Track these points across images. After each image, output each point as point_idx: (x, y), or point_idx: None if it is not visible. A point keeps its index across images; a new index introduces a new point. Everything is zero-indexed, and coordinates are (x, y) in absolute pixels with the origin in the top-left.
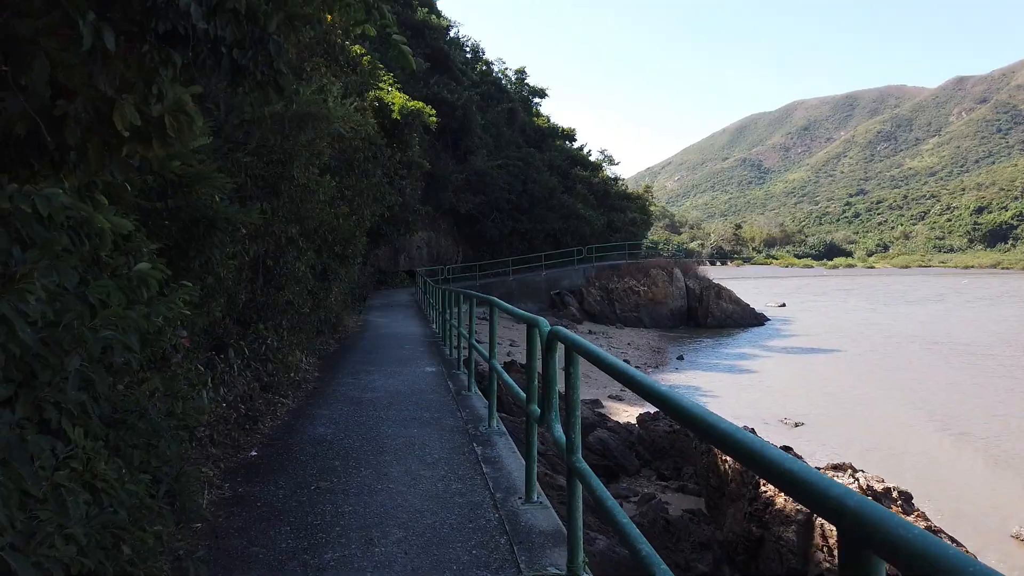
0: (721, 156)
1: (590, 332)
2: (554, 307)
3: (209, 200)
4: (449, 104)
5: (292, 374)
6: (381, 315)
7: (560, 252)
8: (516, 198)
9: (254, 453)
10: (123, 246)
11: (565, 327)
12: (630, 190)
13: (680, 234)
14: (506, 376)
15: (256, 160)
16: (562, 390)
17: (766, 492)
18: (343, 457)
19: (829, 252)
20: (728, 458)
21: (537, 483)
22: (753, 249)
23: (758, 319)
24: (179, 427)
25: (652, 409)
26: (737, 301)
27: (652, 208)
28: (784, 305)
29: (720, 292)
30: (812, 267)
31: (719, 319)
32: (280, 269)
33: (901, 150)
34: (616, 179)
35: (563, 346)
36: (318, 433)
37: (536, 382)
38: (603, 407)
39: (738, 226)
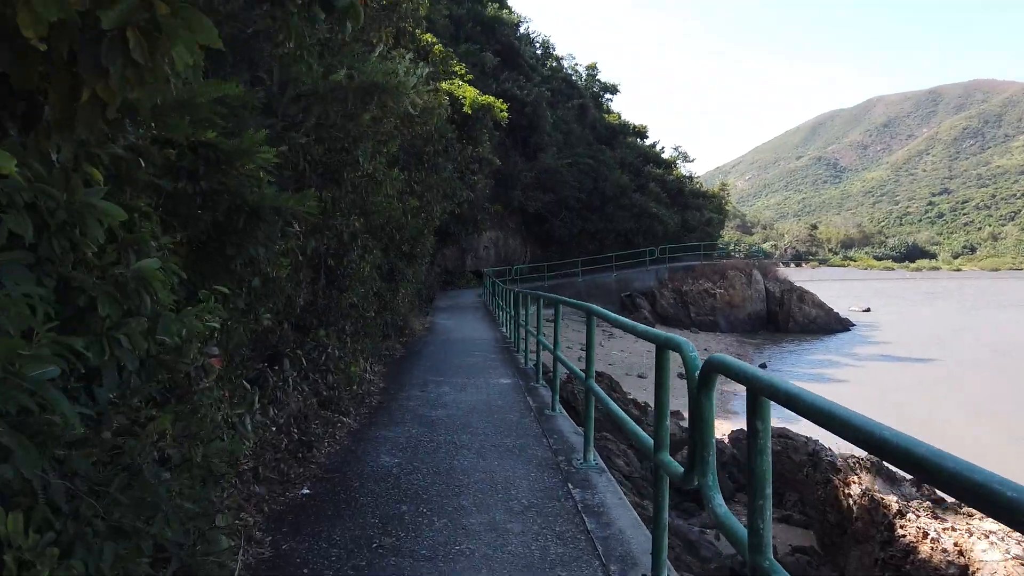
0: (795, 155)
1: None
2: (625, 309)
3: (254, 183)
4: (519, 100)
5: (355, 387)
6: (448, 317)
7: (631, 252)
8: (587, 196)
9: (306, 491)
10: (121, 237)
11: None
12: (704, 188)
13: (752, 234)
14: (616, 409)
15: (315, 143)
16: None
17: (904, 536)
18: (412, 499)
19: (911, 254)
20: (852, 492)
21: (667, 559)
22: (829, 250)
23: (843, 324)
24: (201, 478)
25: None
26: (821, 305)
27: (728, 207)
28: (869, 310)
29: (803, 296)
30: (893, 269)
31: (801, 324)
32: (343, 269)
33: (989, 147)
34: (691, 177)
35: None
36: (382, 464)
37: (666, 421)
38: (683, 417)
39: (814, 226)
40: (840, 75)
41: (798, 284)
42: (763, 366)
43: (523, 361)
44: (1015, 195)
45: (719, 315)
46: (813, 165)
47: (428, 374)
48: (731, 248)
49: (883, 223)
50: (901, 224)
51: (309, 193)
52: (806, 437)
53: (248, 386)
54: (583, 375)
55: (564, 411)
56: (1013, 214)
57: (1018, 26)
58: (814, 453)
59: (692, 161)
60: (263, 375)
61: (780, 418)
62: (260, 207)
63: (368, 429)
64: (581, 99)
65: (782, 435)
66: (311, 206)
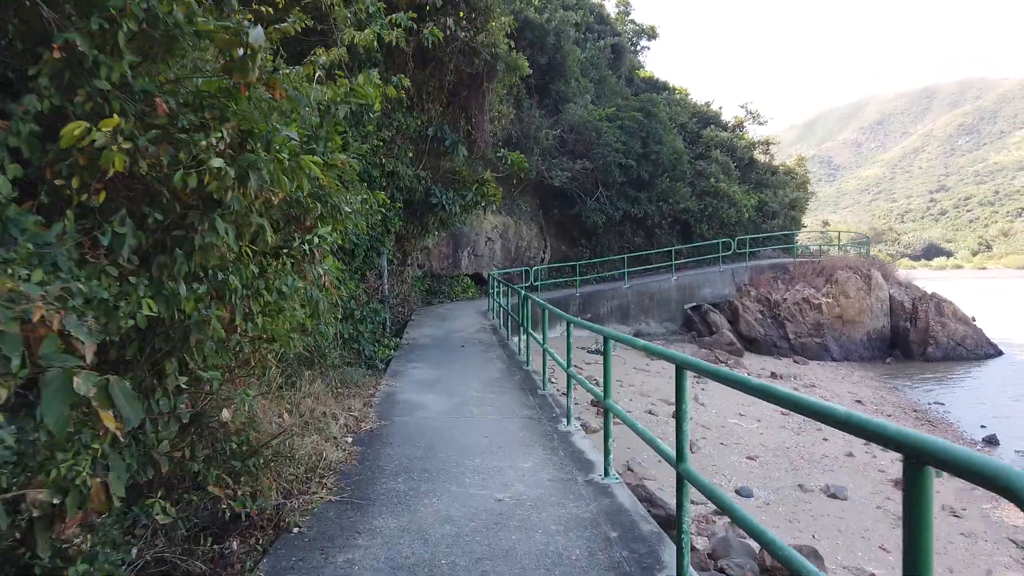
0: (788, 154)
1: (772, 375)
2: (690, 328)
3: None
4: (536, 28)
5: None
6: (431, 377)
7: (697, 247)
8: (635, 165)
9: None
10: None
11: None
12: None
13: None
14: None
15: None
16: None
17: None
18: None
19: (927, 252)
20: None
21: None
22: (841, 248)
23: (994, 347)
24: None
25: None
26: (965, 320)
27: (809, 188)
28: (974, 319)
29: (941, 306)
30: (914, 268)
31: (945, 348)
32: None
33: (985, 144)
34: (767, 142)
35: None
36: None
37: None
38: None
39: (825, 223)
40: (831, 74)
41: (930, 291)
42: (991, 440)
43: None
44: (1019, 191)
45: (828, 335)
46: (807, 163)
47: None
48: (839, 238)
49: (884, 220)
50: (903, 222)
51: None
52: None
53: None
54: None
55: None
56: (1021, 210)
57: (1008, 21)
58: None
59: (764, 124)
60: None
61: None
62: None
63: None
64: (616, 37)
65: None
66: None
